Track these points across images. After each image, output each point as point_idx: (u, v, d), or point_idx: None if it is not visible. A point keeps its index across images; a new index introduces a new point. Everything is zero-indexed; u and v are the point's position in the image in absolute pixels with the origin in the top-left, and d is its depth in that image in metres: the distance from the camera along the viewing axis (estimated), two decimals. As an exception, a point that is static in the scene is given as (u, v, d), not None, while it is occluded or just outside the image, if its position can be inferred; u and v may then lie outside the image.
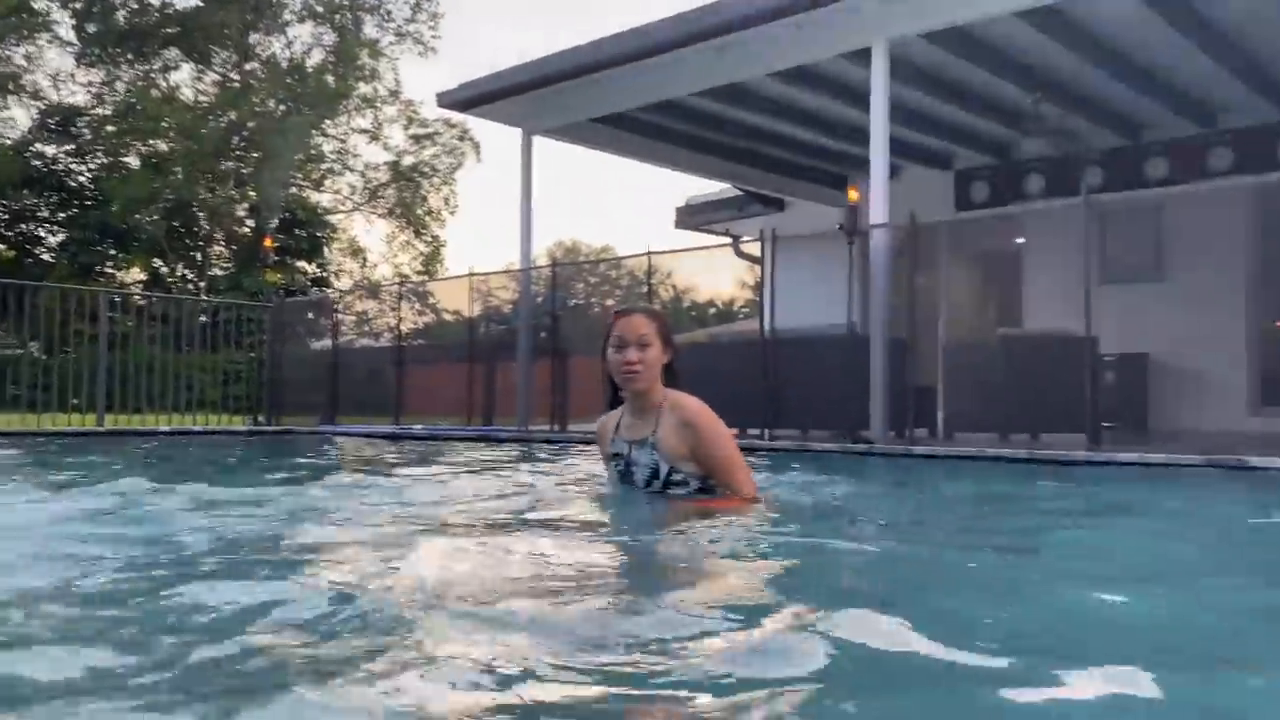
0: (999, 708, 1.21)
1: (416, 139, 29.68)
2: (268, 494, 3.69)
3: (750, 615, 1.67)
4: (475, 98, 11.34)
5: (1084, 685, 1.28)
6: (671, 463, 3.16)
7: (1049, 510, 4.02)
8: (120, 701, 1.19)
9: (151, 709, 1.16)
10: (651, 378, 3.19)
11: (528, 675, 1.27)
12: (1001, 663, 1.37)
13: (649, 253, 9.82)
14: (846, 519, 3.42)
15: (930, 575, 2.26)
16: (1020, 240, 12.65)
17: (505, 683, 1.24)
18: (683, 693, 1.24)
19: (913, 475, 5.84)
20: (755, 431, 8.87)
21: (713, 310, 48.13)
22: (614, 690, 1.24)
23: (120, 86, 27.12)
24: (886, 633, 1.50)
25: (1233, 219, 10.19)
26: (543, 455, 6.99)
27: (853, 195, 7.96)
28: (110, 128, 25.23)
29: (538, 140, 11.48)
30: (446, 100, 11.67)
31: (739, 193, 15.09)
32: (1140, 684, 1.26)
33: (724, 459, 3.18)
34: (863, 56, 8.90)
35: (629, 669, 1.33)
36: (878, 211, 8.35)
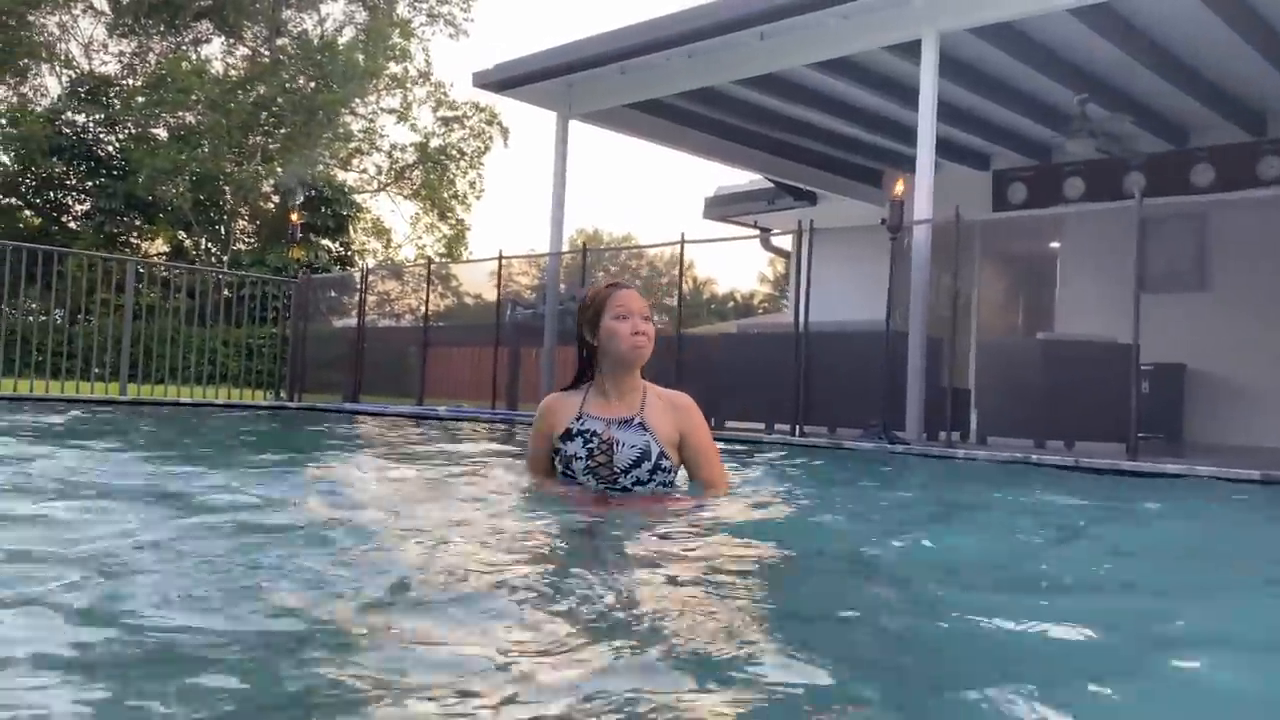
0: None
1: (445, 121, 29.56)
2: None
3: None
4: (511, 79, 11.21)
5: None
6: (662, 445, 2.99)
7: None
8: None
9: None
10: (651, 351, 3.04)
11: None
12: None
13: (682, 241, 9.67)
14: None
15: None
16: (1056, 244, 12.45)
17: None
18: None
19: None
20: (785, 426, 8.74)
21: (731, 304, 47.94)
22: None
23: (151, 58, 27.10)
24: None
25: (1280, 229, 9.95)
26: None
27: (898, 189, 7.81)
28: (140, 98, 25.16)
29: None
30: (482, 80, 11.54)
31: (769, 185, 14.92)
32: None
33: (712, 450, 3.13)
34: (906, 49, 8.73)
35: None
36: (922, 207, 8.18)
